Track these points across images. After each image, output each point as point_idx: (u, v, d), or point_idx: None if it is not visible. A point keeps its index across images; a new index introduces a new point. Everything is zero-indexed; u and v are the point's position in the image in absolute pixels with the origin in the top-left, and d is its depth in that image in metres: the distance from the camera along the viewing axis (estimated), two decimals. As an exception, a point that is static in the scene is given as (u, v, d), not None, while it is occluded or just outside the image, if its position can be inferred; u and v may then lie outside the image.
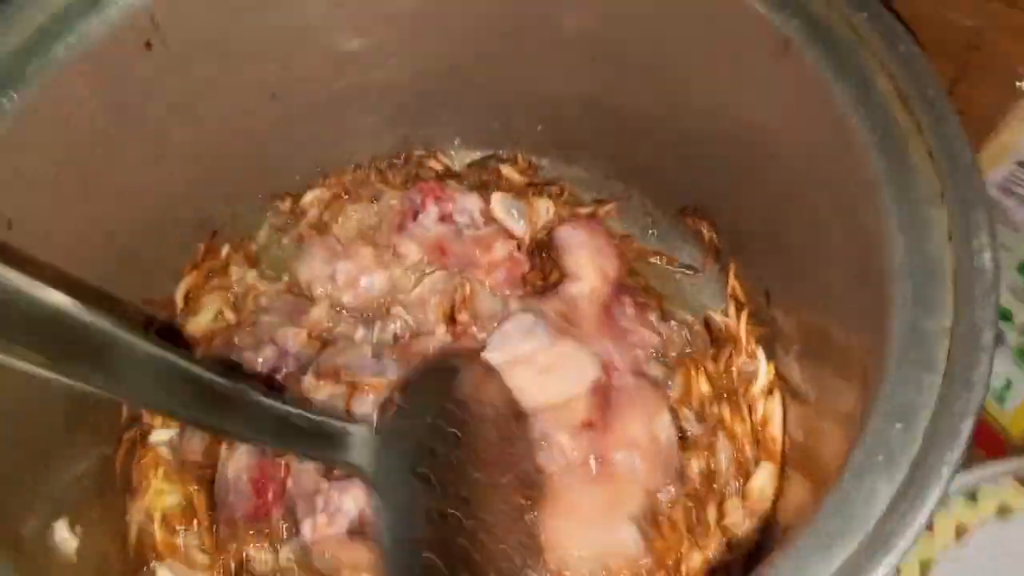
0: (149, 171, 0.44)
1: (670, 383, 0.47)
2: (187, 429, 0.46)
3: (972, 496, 0.44)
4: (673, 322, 0.49)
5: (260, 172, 0.51)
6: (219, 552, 0.43)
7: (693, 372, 0.47)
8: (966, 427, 0.30)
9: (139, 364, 0.34)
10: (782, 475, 0.44)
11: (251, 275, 0.50)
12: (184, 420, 0.40)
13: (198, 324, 0.49)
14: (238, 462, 0.42)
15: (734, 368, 0.48)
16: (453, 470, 0.41)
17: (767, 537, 0.42)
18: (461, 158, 0.56)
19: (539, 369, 0.45)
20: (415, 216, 0.51)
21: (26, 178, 0.38)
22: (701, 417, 0.46)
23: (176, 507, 0.44)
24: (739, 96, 0.43)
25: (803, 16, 0.38)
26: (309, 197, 0.53)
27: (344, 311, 0.49)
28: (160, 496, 0.44)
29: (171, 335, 0.48)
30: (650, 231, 0.54)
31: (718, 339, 0.49)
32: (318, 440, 0.39)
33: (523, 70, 0.49)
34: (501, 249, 0.49)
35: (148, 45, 0.40)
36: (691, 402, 0.47)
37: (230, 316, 0.49)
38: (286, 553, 0.42)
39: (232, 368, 0.46)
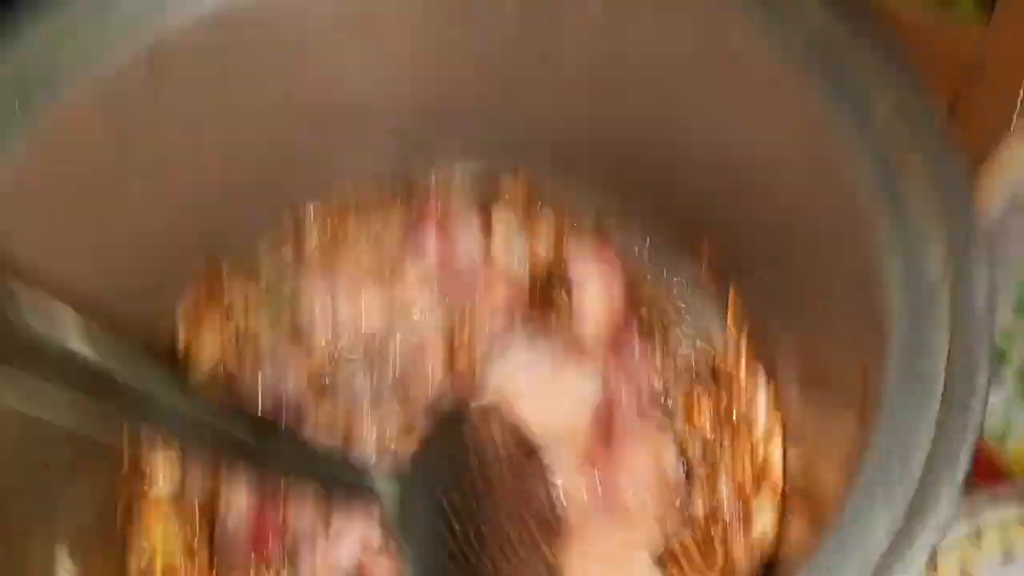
0: (150, 194, 0.44)
1: (673, 421, 0.47)
2: (187, 484, 0.46)
3: (977, 537, 0.44)
4: (677, 359, 0.49)
5: (261, 195, 0.51)
6: (220, 596, 0.43)
7: (696, 412, 0.48)
8: (963, 462, 0.30)
9: (180, 413, 0.35)
10: (783, 514, 0.44)
11: (250, 307, 0.50)
12: (206, 457, 0.41)
13: (198, 359, 0.49)
14: (238, 507, 0.43)
15: (735, 408, 0.47)
16: (473, 513, 0.42)
17: (770, 574, 0.42)
18: (463, 181, 0.55)
19: (541, 394, 0.45)
20: (416, 249, 0.51)
21: (30, 203, 0.39)
22: (704, 454, 0.47)
23: (177, 554, 0.44)
24: (737, 123, 0.43)
25: (801, 41, 0.38)
26: (310, 218, 0.53)
27: (342, 354, 0.49)
28: (161, 543, 0.44)
29: (172, 362, 0.49)
30: (649, 257, 0.54)
31: (719, 378, 0.49)
32: (344, 484, 0.40)
33: (524, 90, 0.50)
34: (501, 288, 0.49)
35: (150, 68, 0.40)
36: (694, 440, 0.47)
37: (230, 352, 0.49)
38: (286, 596, 0.42)
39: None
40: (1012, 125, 0.45)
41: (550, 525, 0.44)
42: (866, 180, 0.36)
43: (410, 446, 0.43)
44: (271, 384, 0.47)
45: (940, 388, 0.32)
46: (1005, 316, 0.48)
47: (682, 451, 0.46)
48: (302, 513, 0.42)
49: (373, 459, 0.44)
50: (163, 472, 0.46)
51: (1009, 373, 0.48)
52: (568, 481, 0.44)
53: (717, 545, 0.44)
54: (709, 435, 0.47)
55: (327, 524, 0.42)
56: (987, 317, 0.33)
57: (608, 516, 0.43)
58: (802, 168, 0.41)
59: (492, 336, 0.48)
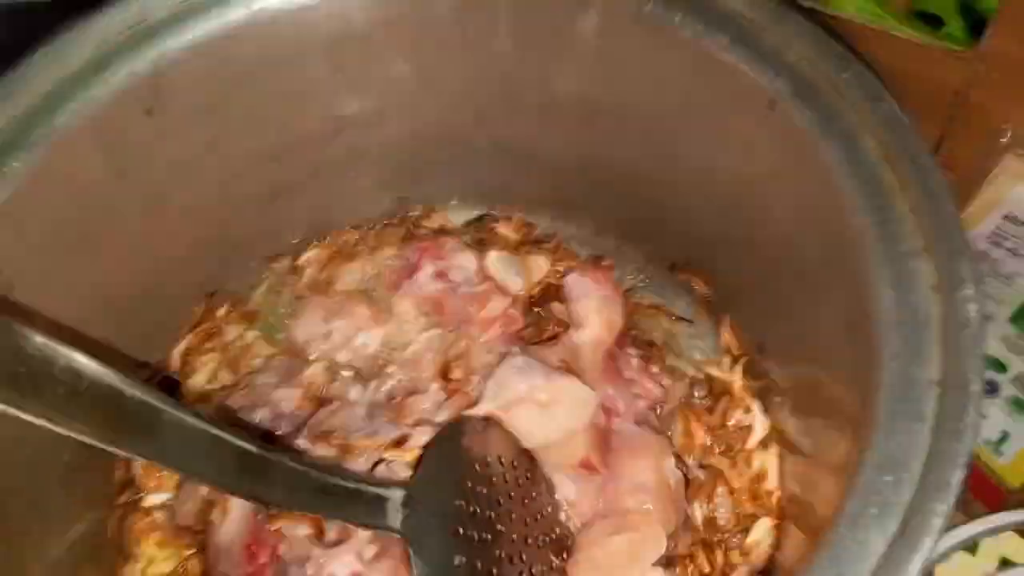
0: (148, 233, 0.45)
1: (670, 433, 0.48)
2: (181, 494, 0.46)
3: (973, 549, 0.44)
4: (673, 374, 0.50)
5: (258, 233, 0.52)
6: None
7: (693, 424, 0.48)
8: (957, 475, 0.30)
9: (182, 436, 0.35)
10: (779, 528, 0.44)
11: (248, 336, 0.50)
12: (225, 489, 0.41)
13: (194, 385, 0.49)
14: (231, 528, 0.42)
15: (731, 422, 0.48)
16: (478, 523, 0.42)
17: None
18: (458, 217, 0.56)
19: (537, 406, 0.45)
20: (411, 275, 0.51)
21: (29, 240, 0.39)
22: (701, 465, 0.47)
23: (169, 573, 0.44)
24: (728, 155, 0.44)
25: (788, 77, 0.39)
26: (306, 257, 0.53)
27: (339, 370, 0.49)
28: (153, 562, 0.44)
29: (169, 390, 0.49)
30: (643, 285, 0.54)
31: (715, 393, 0.49)
32: (355, 505, 0.40)
33: (518, 130, 0.51)
34: (496, 306, 0.50)
35: (149, 112, 0.41)
36: (692, 451, 0.47)
37: (226, 377, 0.50)
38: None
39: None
40: (1002, 147, 0.46)
41: (555, 532, 0.44)
42: (855, 210, 0.37)
43: (404, 458, 0.43)
44: (266, 399, 0.47)
45: (933, 407, 0.32)
46: (1003, 329, 0.48)
47: (679, 460, 0.47)
48: (296, 525, 0.42)
49: (370, 471, 0.44)
50: (156, 483, 0.46)
51: (1006, 383, 0.48)
52: (568, 489, 0.44)
53: (715, 551, 0.44)
54: (706, 445, 0.47)
55: (322, 536, 0.42)
56: (978, 338, 0.33)
57: (611, 521, 0.44)
58: (792, 201, 0.41)
59: (487, 349, 0.48)
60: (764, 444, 0.46)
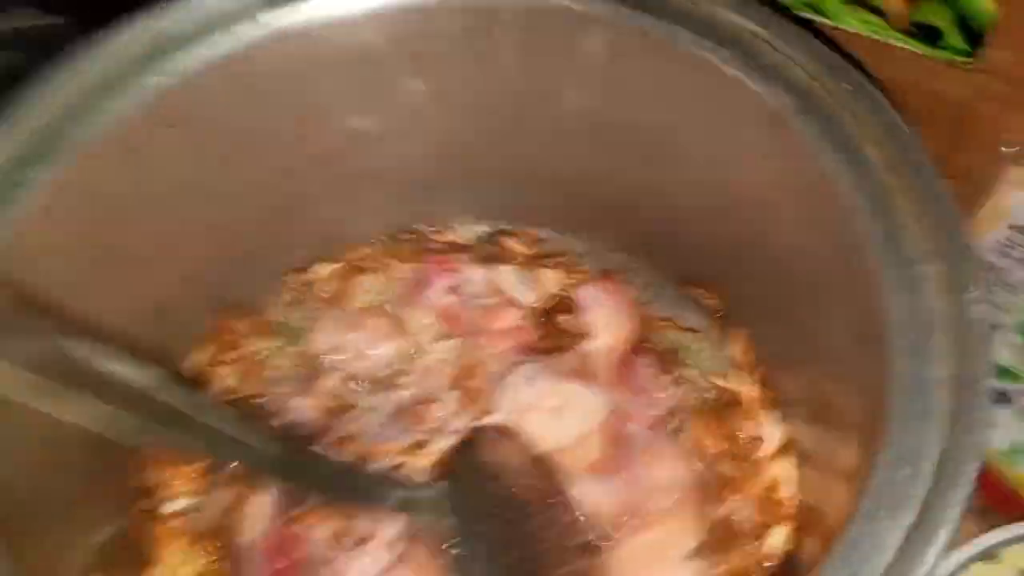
0: (167, 245, 0.46)
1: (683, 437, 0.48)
2: (203, 500, 0.46)
3: (992, 558, 0.44)
4: (685, 385, 0.50)
5: (274, 246, 0.52)
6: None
7: (705, 434, 0.48)
8: (971, 468, 0.31)
9: (220, 429, 0.38)
10: (796, 534, 0.44)
11: (264, 347, 0.51)
12: (267, 476, 0.43)
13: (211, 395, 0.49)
14: (255, 529, 0.43)
15: (743, 432, 0.48)
16: (510, 530, 0.43)
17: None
18: (469, 232, 0.57)
19: (548, 411, 0.46)
20: (424, 289, 0.52)
21: (53, 251, 0.40)
22: (714, 470, 0.47)
23: (194, 568, 0.44)
24: (735, 168, 0.45)
25: (793, 91, 0.40)
26: (321, 270, 0.54)
27: (355, 381, 0.50)
28: (178, 567, 0.45)
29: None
30: (653, 298, 0.54)
31: (727, 403, 0.50)
32: (394, 490, 0.43)
33: (527, 148, 0.51)
34: (509, 319, 0.50)
35: (168, 126, 0.42)
36: (705, 460, 0.47)
37: (242, 388, 0.50)
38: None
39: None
40: (1007, 157, 0.46)
41: (579, 534, 0.44)
42: (861, 219, 0.37)
43: (421, 463, 0.44)
44: (283, 407, 0.48)
45: (944, 405, 0.32)
46: (1011, 338, 0.48)
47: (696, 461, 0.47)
48: (319, 527, 0.42)
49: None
50: (179, 486, 0.46)
51: (1019, 393, 0.48)
52: (587, 491, 0.45)
53: (734, 551, 0.44)
54: (718, 454, 0.47)
55: (346, 539, 0.42)
56: (987, 345, 0.34)
57: (635, 522, 0.44)
58: (799, 212, 0.42)
59: (500, 360, 0.49)
60: (777, 453, 0.47)
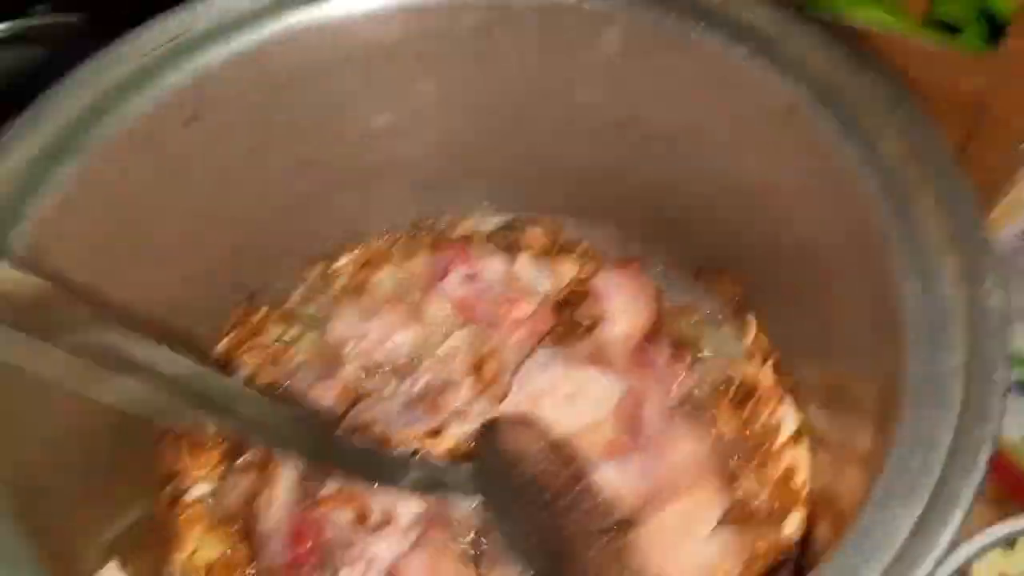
0: (190, 237, 0.47)
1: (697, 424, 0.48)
2: (225, 484, 0.47)
3: (1010, 545, 0.44)
4: (701, 371, 0.50)
5: (295, 238, 0.53)
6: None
7: (722, 420, 0.48)
8: (982, 458, 0.31)
9: (255, 411, 0.40)
10: (807, 520, 0.44)
11: (286, 336, 0.52)
12: (294, 456, 0.45)
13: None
14: (277, 513, 0.44)
15: (759, 419, 0.48)
16: (537, 512, 0.44)
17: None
18: (486, 223, 0.57)
19: (563, 397, 0.47)
20: (441, 278, 0.53)
21: (81, 244, 0.41)
22: (731, 454, 0.48)
23: (217, 560, 0.45)
24: (751, 161, 0.45)
25: (807, 83, 0.40)
26: (341, 262, 0.55)
27: (375, 368, 0.51)
28: (200, 549, 0.45)
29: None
30: (669, 287, 0.55)
31: (744, 390, 0.50)
32: (425, 470, 0.44)
33: (543, 141, 0.52)
34: (526, 307, 0.51)
35: (190, 121, 0.43)
36: (720, 443, 0.48)
37: (265, 375, 0.51)
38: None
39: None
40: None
41: (604, 514, 0.45)
42: (879, 209, 0.37)
43: (440, 447, 0.45)
44: (304, 395, 0.49)
45: (959, 393, 0.33)
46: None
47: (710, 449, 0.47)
48: (340, 510, 0.43)
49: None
50: (199, 473, 0.47)
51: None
52: (608, 472, 0.46)
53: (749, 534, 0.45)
54: (735, 440, 0.48)
55: (365, 521, 0.43)
56: (1002, 331, 0.34)
57: (661, 497, 0.45)
58: (815, 203, 0.42)
59: (518, 348, 0.50)
60: (794, 439, 0.47)
